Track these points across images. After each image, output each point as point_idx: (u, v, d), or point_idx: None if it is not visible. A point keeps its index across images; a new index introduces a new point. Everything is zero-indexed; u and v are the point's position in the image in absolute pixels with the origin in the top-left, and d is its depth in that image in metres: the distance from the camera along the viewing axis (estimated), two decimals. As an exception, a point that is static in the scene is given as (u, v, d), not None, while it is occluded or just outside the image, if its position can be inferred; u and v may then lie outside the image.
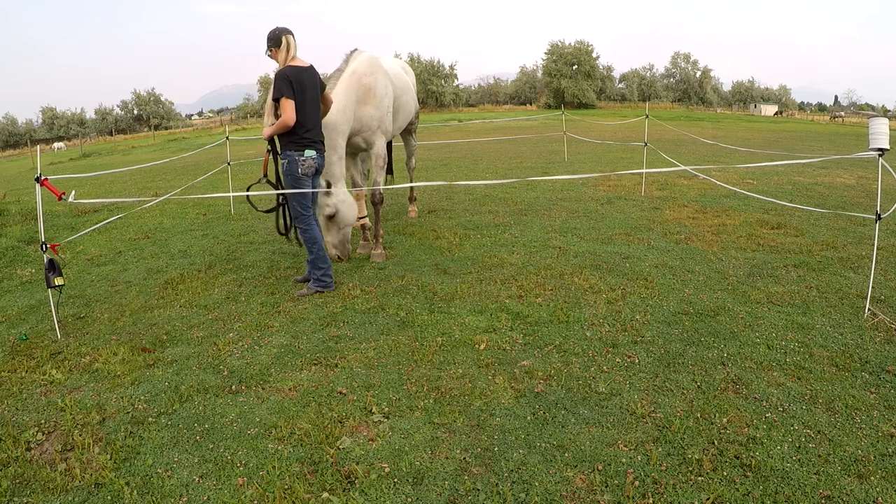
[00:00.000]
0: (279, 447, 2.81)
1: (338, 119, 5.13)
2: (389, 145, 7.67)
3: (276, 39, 4.61)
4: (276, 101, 4.57)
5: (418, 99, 7.52)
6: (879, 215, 4.15)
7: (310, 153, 4.68)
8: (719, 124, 38.68)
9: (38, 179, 4.10)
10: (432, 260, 5.78)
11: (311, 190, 4.86)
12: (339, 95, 5.18)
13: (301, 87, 4.54)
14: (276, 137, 4.80)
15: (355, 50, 5.74)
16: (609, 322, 4.15)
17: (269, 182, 4.96)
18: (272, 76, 4.68)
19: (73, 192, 4.30)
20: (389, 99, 5.83)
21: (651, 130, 10.26)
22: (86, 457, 2.77)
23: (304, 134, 4.63)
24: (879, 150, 4.01)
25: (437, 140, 20.39)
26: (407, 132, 7.57)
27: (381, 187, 5.97)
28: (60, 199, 4.24)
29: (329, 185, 5.02)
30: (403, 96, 6.33)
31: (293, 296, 4.87)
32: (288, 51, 4.62)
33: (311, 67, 4.68)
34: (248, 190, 5.20)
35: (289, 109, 4.47)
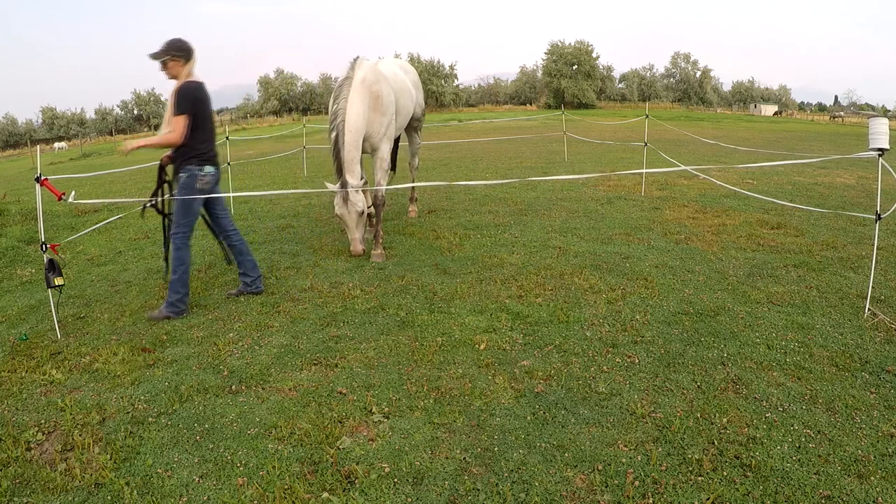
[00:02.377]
0: (279, 447, 2.81)
1: (359, 124, 5.54)
2: (396, 142, 7.83)
3: (190, 52, 4.42)
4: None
5: None
6: (879, 215, 4.15)
7: (209, 170, 4.52)
8: (719, 124, 38.69)
9: (38, 179, 4.09)
10: (432, 260, 5.78)
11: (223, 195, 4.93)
12: (356, 102, 5.55)
13: (203, 104, 4.45)
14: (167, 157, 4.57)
15: (358, 57, 5.97)
16: (609, 322, 4.15)
17: (154, 208, 4.71)
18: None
19: (73, 193, 4.29)
20: (393, 105, 6.11)
21: (651, 130, 10.26)
22: (86, 457, 2.77)
23: (206, 149, 4.51)
24: (879, 150, 4.02)
25: (437, 140, 20.40)
26: (413, 129, 7.63)
27: (384, 188, 6.07)
28: (60, 199, 4.24)
29: (364, 182, 5.49)
30: (401, 98, 6.46)
31: (293, 296, 4.87)
32: (193, 66, 4.47)
33: (203, 83, 4.56)
34: (145, 206, 4.83)
35: (180, 127, 4.32)
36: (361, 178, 5.59)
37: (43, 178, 4.09)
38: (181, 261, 4.51)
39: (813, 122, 52.11)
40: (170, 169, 4.64)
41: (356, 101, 5.53)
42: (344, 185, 5.46)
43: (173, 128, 4.34)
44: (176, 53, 4.37)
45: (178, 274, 4.50)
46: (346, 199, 5.48)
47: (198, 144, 4.44)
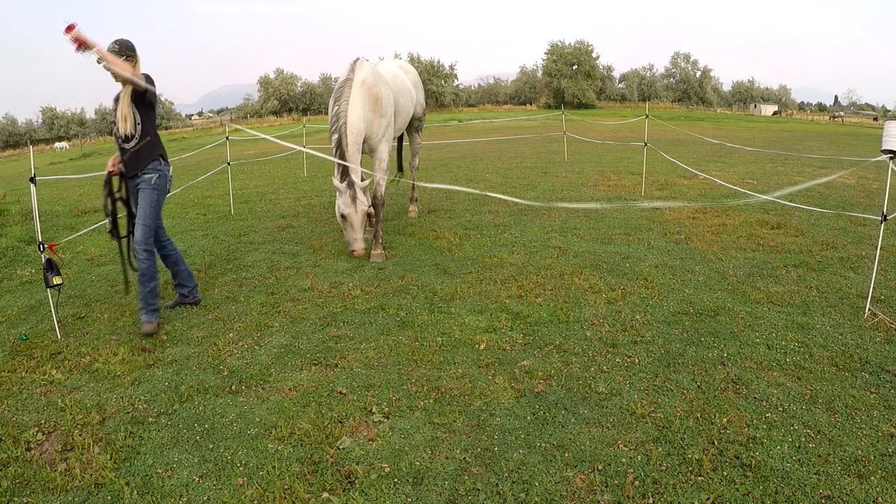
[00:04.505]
0: (279, 447, 2.81)
1: (361, 126, 5.60)
2: (400, 142, 7.88)
3: (137, 54, 4.19)
4: (150, 104, 4.23)
5: None
6: (885, 216, 4.14)
7: (170, 169, 4.36)
8: (719, 124, 38.68)
9: (32, 180, 4.09)
10: (432, 260, 5.78)
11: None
12: (356, 104, 5.59)
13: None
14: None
15: (358, 59, 5.99)
16: (609, 322, 4.15)
17: (113, 234, 4.39)
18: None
19: (97, 50, 3.83)
20: (391, 107, 6.15)
21: (651, 130, 10.26)
22: (86, 457, 2.77)
23: (162, 146, 4.36)
24: (891, 152, 4.02)
25: (437, 140, 20.39)
26: (414, 129, 7.66)
27: (383, 188, 6.10)
28: (79, 47, 3.75)
29: (364, 182, 5.48)
30: (401, 99, 6.50)
31: (293, 296, 4.87)
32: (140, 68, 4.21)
33: None
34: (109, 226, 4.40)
35: (144, 82, 4.08)
36: (363, 179, 5.64)
37: (69, 24, 3.68)
38: (154, 273, 4.21)
39: (813, 122, 52.10)
40: (115, 181, 4.33)
41: (357, 103, 5.57)
42: (351, 185, 5.47)
43: (137, 76, 4.04)
44: (130, 53, 4.15)
45: (150, 286, 4.19)
46: (354, 199, 5.47)
47: (159, 142, 4.28)
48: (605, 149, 16.44)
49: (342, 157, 5.49)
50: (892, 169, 4.22)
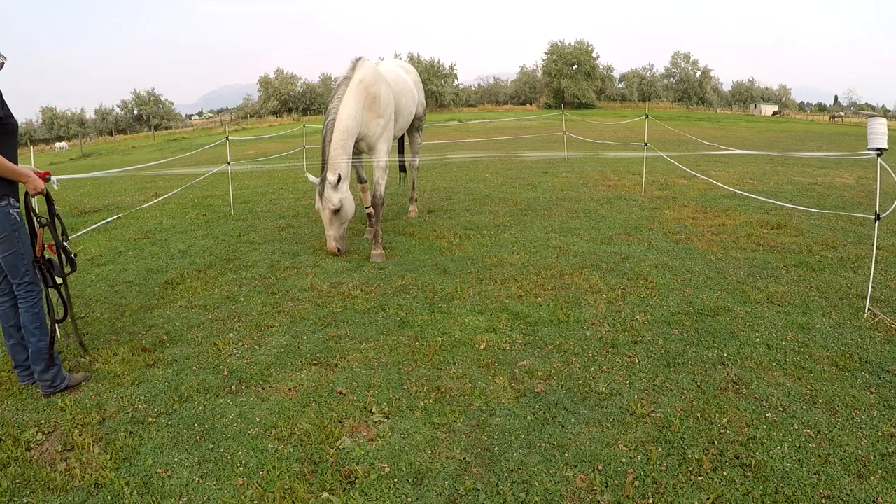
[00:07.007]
0: (279, 447, 2.81)
1: (351, 124, 5.56)
2: (401, 142, 7.90)
3: None
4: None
5: None
6: (879, 215, 4.15)
7: None
8: (719, 124, 38.67)
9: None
10: (432, 260, 5.78)
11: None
12: (349, 102, 5.58)
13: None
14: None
15: (360, 58, 5.99)
16: (609, 322, 4.14)
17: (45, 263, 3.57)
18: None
19: (55, 179, 4.06)
20: (391, 107, 6.15)
21: (651, 130, 10.26)
22: (86, 457, 2.77)
23: None
24: (878, 149, 4.02)
25: (437, 140, 20.39)
26: (414, 129, 7.67)
27: (383, 188, 6.11)
28: (46, 178, 3.82)
29: (339, 180, 5.43)
30: (402, 99, 6.51)
31: (293, 296, 4.87)
32: None
33: None
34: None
35: None
36: (362, 181, 5.64)
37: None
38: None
39: (813, 122, 52.09)
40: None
41: (350, 102, 5.60)
42: (322, 181, 5.51)
43: None
44: None
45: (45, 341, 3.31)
46: (321, 196, 5.53)
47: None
48: (606, 149, 16.44)
49: (323, 152, 5.53)
50: (882, 166, 4.22)
